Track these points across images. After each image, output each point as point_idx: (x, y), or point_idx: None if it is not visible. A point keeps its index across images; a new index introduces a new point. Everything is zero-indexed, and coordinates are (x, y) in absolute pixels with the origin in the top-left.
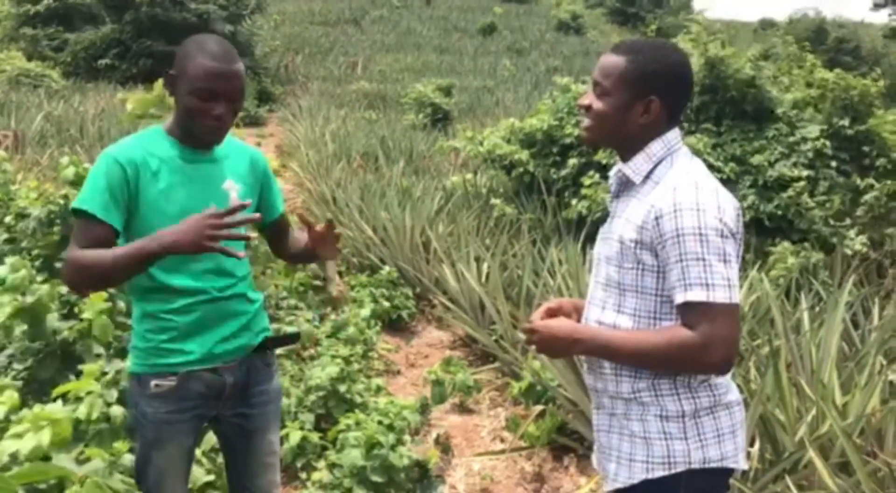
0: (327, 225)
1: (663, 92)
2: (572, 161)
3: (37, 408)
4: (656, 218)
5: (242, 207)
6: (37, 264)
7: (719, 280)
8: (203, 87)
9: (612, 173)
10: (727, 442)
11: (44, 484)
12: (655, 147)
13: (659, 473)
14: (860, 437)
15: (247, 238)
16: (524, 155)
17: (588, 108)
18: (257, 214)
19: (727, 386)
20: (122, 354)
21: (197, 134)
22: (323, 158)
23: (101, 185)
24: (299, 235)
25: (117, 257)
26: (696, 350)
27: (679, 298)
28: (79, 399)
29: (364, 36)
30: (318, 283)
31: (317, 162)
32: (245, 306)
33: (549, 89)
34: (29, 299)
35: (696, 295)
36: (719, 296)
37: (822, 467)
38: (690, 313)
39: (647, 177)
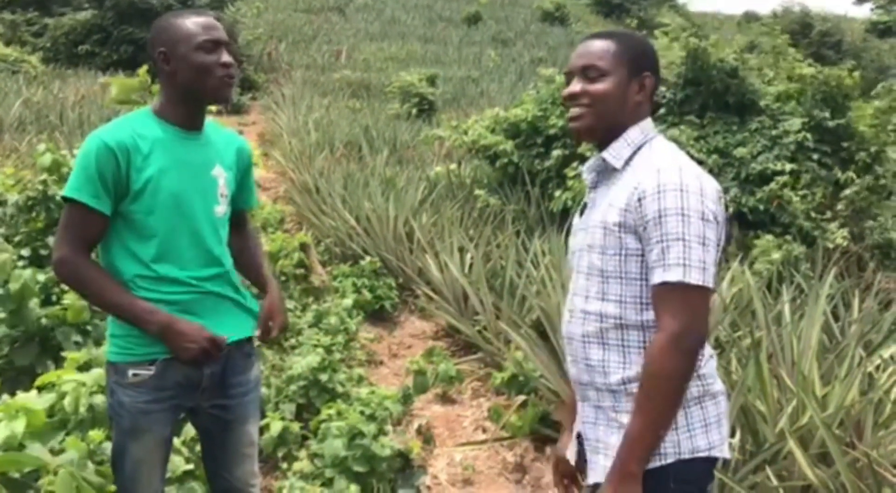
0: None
1: (653, 69)
2: (556, 152)
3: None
4: (639, 199)
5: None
6: (20, 251)
7: (696, 262)
8: (206, 38)
9: (586, 167)
10: (713, 431)
11: (18, 474)
12: (633, 133)
13: (650, 464)
14: (839, 428)
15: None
16: (508, 146)
17: (580, 94)
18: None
19: (713, 376)
20: (101, 342)
21: (211, 90)
22: (306, 147)
23: (91, 171)
24: (261, 264)
25: (110, 304)
26: (673, 341)
27: (657, 277)
28: (58, 388)
29: (348, 24)
30: (300, 272)
31: (300, 151)
32: (229, 295)
33: (534, 80)
34: (12, 285)
35: (674, 275)
36: (694, 277)
37: (802, 457)
38: (664, 292)
39: (626, 163)
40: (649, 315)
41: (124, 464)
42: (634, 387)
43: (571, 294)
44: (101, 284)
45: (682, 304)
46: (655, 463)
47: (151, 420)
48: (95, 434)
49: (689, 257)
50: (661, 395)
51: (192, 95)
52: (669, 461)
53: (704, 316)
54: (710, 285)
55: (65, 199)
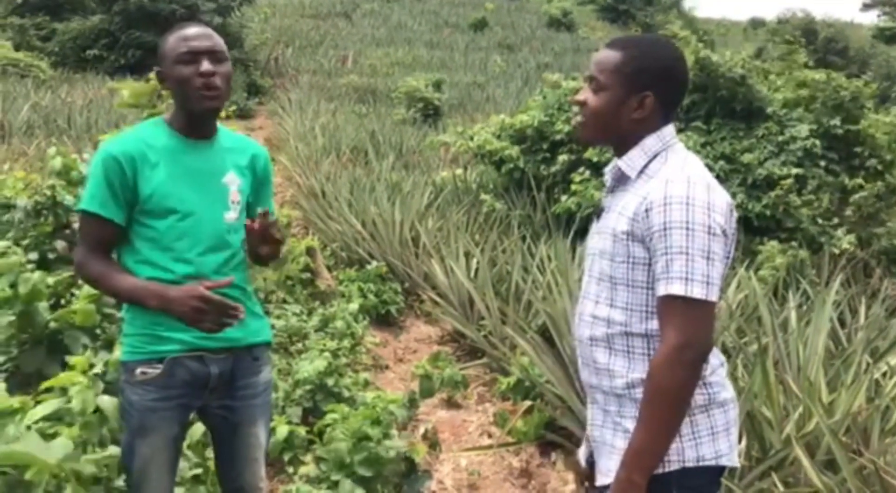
0: (260, 217)
1: (658, 87)
2: (562, 157)
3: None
4: (647, 210)
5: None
6: (29, 255)
7: (699, 276)
8: (183, 51)
9: (607, 169)
10: (721, 440)
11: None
12: (650, 142)
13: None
14: (846, 435)
15: (236, 312)
16: (514, 151)
17: (583, 103)
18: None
19: (722, 384)
20: (109, 346)
21: (195, 103)
22: (312, 152)
23: (99, 183)
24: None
25: (115, 289)
26: (674, 353)
27: (661, 290)
28: (64, 390)
29: (355, 30)
30: (306, 277)
31: (306, 156)
32: (239, 299)
33: (540, 86)
34: (21, 288)
35: (676, 289)
36: (696, 291)
37: (808, 464)
38: (667, 305)
39: (641, 171)
40: (654, 324)
41: (133, 462)
42: (639, 392)
43: (583, 297)
44: (106, 274)
45: (684, 317)
46: (658, 470)
47: (159, 418)
48: (70, 431)
49: (692, 271)
50: (664, 407)
51: (186, 106)
52: (673, 468)
53: (707, 329)
54: (714, 298)
55: (79, 211)
